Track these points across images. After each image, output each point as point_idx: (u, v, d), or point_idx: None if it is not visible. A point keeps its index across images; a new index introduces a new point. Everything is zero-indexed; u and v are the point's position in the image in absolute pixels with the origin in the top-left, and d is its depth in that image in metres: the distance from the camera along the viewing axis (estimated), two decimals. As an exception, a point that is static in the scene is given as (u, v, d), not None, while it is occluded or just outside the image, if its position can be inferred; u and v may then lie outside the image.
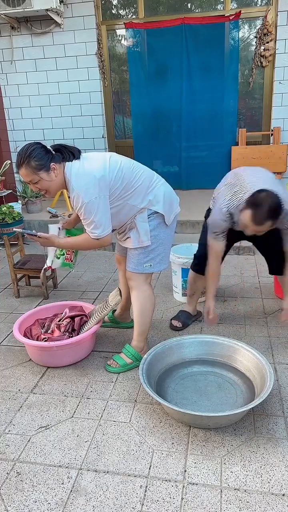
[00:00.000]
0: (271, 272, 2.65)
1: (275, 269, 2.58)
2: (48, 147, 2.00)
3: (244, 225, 2.10)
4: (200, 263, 2.54)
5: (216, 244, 2.33)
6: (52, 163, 1.93)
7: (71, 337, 2.33)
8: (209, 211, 2.54)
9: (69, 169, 1.95)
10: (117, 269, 2.63)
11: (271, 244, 2.42)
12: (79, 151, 2.03)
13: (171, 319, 2.74)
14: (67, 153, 1.99)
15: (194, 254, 2.69)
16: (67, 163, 1.97)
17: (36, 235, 2.19)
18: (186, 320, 2.71)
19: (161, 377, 2.12)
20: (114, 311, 2.71)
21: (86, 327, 2.40)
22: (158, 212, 2.13)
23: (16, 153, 2.06)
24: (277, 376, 2.17)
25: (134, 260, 2.18)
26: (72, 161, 1.97)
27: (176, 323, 2.69)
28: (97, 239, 2.02)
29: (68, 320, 2.45)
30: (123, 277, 2.49)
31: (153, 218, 2.14)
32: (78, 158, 2.00)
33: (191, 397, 2.01)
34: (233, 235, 2.37)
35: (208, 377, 2.16)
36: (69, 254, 2.44)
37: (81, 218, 2.02)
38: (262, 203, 1.97)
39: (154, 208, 2.12)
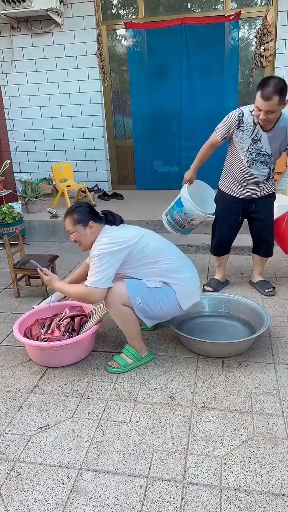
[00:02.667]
0: (253, 251, 3.18)
1: (258, 249, 3.13)
2: (98, 210, 2.26)
3: (256, 108, 2.49)
4: (218, 247, 3.13)
5: (215, 138, 2.83)
6: (91, 221, 2.16)
7: (71, 337, 2.33)
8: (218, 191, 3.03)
9: (104, 230, 2.17)
10: None
11: (263, 220, 2.97)
12: (121, 221, 2.26)
13: (203, 285, 3.15)
14: (111, 218, 2.23)
15: (212, 241, 3.18)
16: (106, 225, 2.19)
17: (41, 269, 2.36)
18: (216, 286, 3.18)
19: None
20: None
21: (86, 327, 2.40)
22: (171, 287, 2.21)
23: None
24: (277, 376, 2.17)
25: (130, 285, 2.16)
26: (111, 226, 2.20)
27: (208, 288, 3.15)
28: (91, 287, 2.07)
29: (68, 320, 2.45)
30: None
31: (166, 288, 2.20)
32: (118, 225, 2.22)
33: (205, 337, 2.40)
34: (231, 205, 2.91)
35: (215, 324, 2.64)
36: None
37: (90, 268, 2.11)
38: (269, 81, 2.38)
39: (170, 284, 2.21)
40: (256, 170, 2.76)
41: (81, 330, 2.41)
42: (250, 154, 2.71)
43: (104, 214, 2.25)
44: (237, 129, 2.69)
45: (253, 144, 2.68)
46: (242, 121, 2.65)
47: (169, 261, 2.20)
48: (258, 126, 2.61)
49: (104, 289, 2.09)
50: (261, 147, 2.68)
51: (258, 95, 2.43)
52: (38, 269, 2.38)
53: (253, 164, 2.74)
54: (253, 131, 2.64)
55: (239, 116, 2.65)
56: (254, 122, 2.62)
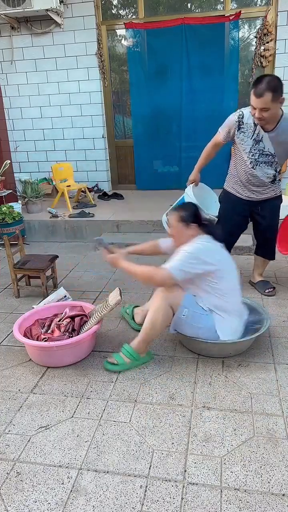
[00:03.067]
0: (256, 252, 3.17)
1: (261, 251, 3.13)
2: (203, 216, 2.34)
3: (252, 107, 2.49)
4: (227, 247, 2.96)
5: (218, 139, 2.85)
6: (194, 224, 2.22)
7: (71, 337, 2.33)
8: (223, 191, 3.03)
9: (203, 237, 2.21)
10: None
11: (268, 223, 2.94)
12: (220, 236, 2.30)
13: None
14: (212, 230, 2.29)
15: None
16: (206, 235, 2.23)
17: (109, 249, 2.32)
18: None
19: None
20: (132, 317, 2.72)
21: (86, 327, 2.40)
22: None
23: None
24: (277, 376, 2.17)
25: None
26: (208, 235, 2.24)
27: None
28: (165, 270, 2.07)
29: (68, 320, 2.45)
30: None
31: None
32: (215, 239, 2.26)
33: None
34: (235, 205, 2.91)
35: None
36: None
37: (174, 257, 2.14)
38: (263, 78, 2.38)
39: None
40: (260, 171, 2.73)
41: (81, 330, 2.41)
42: (253, 155, 2.69)
43: (207, 222, 2.31)
44: (237, 130, 2.68)
45: (255, 145, 2.66)
46: (242, 123, 2.65)
47: (232, 302, 2.25)
48: (258, 126, 2.60)
49: (172, 278, 2.08)
50: (264, 147, 2.65)
51: (252, 92, 2.43)
52: (105, 247, 2.34)
53: (257, 165, 2.71)
54: (254, 132, 2.62)
55: (239, 118, 2.65)
56: (254, 123, 2.60)
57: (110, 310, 2.32)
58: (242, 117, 2.64)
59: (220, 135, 2.81)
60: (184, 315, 2.17)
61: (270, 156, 2.68)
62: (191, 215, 2.23)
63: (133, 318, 2.69)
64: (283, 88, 2.42)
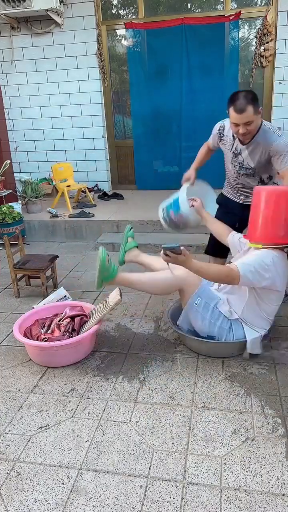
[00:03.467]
0: None
1: None
2: None
3: (233, 125, 2.38)
4: (211, 248, 2.97)
5: (209, 144, 2.84)
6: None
7: (71, 337, 2.33)
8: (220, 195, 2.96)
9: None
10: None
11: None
12: None
13: None
14: None
15: (208, 242, 3.03)
16: None
17: (180, 252, 1.99)
18: None
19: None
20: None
21: (86, 327, 2.40)
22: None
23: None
24: (277, 376, 2.17)
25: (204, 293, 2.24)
26: None
27: None
28: (236, 271, 1.99)
29: (68, 320, 2.45)
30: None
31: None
32: None
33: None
34: (232, 210, 2.81)
35: None
36: None
37: (249, 256, 2.11)
38: (238, 94, 2.31)
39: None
40: (244, 181, 2.68)
41: (81, 330, 2.41)
42: (234, 167, 2.63)
43: None
44: (219, 142, 2.67)
45: (235, 157, 2.58)
46: (223, 135, 2.61)
47: (275, 306, 2.22)
48: (237, 140, 2.51)
49: (244, 278, 2.00)
50: (243, 161, 2.56)
51: (232, 110, 2.32)
52: (172, 250, 2.04)
53: (239, 176, 2.66)
54: (233, 145, 2.56)
55: (219, 130, 2.63)
56: (233, 135, 2.51)
57: (110, 310, 2.32)
58: (223, 129, 2.60)
59: (209, 142, 2.82)
60: (196, 304, 2.20)
61: (250, 170, 2.57)
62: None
63: (125, 252, 2.59)
64: (256, 95, 2.37)
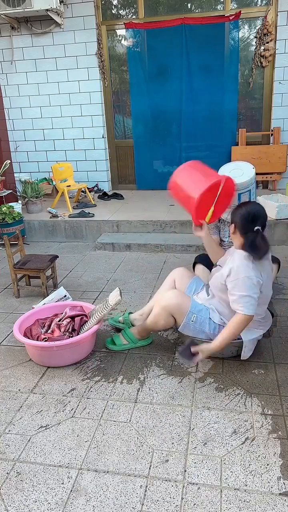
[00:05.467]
0: None
1: None
2: None
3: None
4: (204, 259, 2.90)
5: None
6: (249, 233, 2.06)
7: (71, 337, 2.33)
8: None
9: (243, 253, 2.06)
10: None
11: None
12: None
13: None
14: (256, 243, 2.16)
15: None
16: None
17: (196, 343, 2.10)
18: None
19: None
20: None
21: (86, 327, 2.40)
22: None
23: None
24: (277, 376, 2.17)
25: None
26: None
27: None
28: (243, 318, 2.00)
29: (68, 320, 2.45)
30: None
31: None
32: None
33: None
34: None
35: None
36: None
37: (231, 293, 2.05)
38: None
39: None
40: None
41: (81, 330, 2.41)
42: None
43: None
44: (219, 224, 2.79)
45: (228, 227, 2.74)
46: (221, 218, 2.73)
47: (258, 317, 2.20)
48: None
49: (251, 318, 2.03)
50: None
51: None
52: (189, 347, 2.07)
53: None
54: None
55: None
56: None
57: (110, 310, 2.32)
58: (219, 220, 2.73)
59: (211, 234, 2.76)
60: (192, 321, 2.22)
61: None
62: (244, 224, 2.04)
63: (131, 325, 2.62)
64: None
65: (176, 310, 2.22)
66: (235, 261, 2.05)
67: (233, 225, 2.09)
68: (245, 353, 2.21)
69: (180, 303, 2.23)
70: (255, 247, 1.99)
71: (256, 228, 2.00)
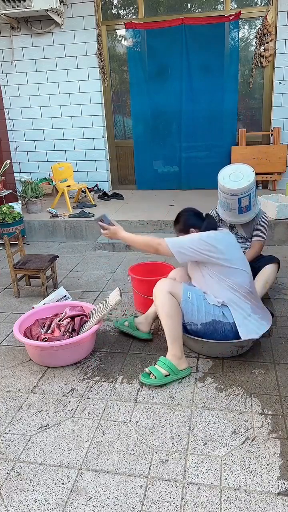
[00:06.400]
0: None
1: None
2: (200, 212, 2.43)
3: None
4: None
5: None
6: (192, 228, 2.31)
7: (71, 337, 2.33)
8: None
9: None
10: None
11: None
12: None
13: None
14: (212, 221, 2.36)
15: None
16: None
17: (109, 224, 2.40)
18: None
19: None
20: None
21: (86, 327, 2.40)
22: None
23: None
24: (277, 376, 2.17)
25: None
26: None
27: None
28: (165, 240, 2.18)
29: (68, 320, 2.45)
30: None
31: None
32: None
33: None
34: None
35: None
36: None
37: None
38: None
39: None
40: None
41: (81, 330, 2.41)
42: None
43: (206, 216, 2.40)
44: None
45: (230, 230, 2.92)
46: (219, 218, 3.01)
47: (249, 300, 2.24)
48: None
49: (170, 250, 2.16)
50: (237, 232, 2.99)
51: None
52: (103, 224, 2.40)
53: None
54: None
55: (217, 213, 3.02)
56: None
57: (110, 310, 2.32)
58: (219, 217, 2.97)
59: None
60: (189, 297, 2.21)
61: (244, 239, 3.01)
62: (186, 223, 2.34)
63: (136, 329, 2.60)
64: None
65: (172, 287, 2.21)
66: None
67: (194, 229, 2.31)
68: (242, 333, 2.19)
69: (173, 282, 2.26)
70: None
71: (191, 229, 2.30)
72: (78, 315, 2.47)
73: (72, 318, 2.46)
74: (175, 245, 2.17)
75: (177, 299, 2.20)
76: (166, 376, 2.13)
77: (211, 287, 2.24)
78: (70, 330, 2.40)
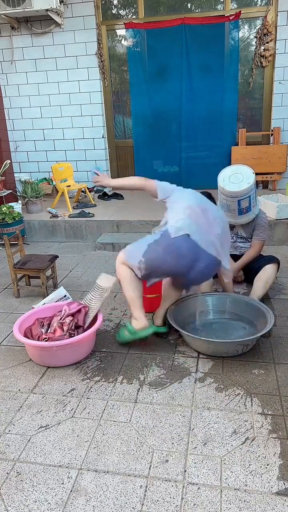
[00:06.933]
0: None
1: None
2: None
3: None
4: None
5: None
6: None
7: (75, 335, 2.34)
8: None
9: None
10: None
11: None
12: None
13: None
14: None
15: None
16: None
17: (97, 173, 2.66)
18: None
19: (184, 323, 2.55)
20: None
21: (90, 315, 2.46)
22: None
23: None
24: (277, 376, 2.17)
25: None
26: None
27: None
28: (151, 181, 2.51)
29: (70, 318, 2.45)
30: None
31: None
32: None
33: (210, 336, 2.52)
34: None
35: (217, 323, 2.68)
36: None
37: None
38: None
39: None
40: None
41: (86, 320, 2.45)
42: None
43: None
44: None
45: (230, 230, 2.91)
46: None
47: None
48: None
49: (155, 183, 2.50)
50: (237, 232, 3.07)
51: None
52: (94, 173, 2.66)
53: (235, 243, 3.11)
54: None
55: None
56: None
57: (104, 294, 2.42)
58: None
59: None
60: (140, 261, 2.30)
61: (244, 239, 3.10)
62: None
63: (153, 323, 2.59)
64: None
65: (126, 257, 2.36)
66: None
67: None
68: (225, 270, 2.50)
69: (127, 253, 2.39)
70: None
71: None
72: (78, 310, 2.47)
73: (73, 315, 2.46)
74: (161, 182, 2.49)
75: (132, 268, 2.35)
76: (127, 335, 2.45)
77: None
78: (73, 327, 2.40)
